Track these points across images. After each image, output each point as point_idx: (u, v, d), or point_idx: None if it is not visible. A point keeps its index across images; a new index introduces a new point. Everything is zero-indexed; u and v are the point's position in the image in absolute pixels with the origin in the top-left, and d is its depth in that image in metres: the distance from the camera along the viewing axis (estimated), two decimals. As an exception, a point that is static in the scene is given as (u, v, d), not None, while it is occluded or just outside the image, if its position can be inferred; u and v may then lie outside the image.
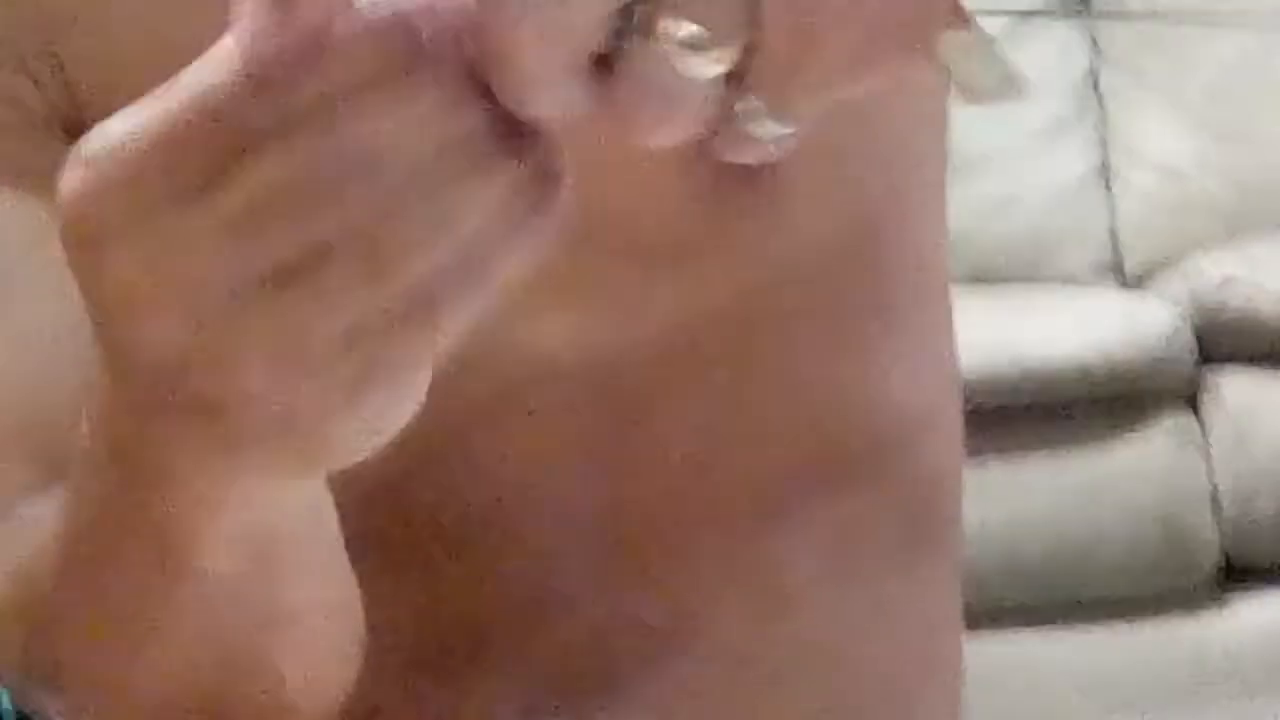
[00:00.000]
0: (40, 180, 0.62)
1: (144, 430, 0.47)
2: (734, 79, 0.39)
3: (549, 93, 0.39)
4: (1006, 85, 0.40)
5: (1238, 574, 2.21)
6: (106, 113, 0.65)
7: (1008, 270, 2.50)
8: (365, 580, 0.67)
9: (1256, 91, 2.62)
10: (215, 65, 0.40)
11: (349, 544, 0.66)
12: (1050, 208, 2.58)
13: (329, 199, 0.40)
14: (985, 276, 2.42)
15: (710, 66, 0.39)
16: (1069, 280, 2.56)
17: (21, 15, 0.72)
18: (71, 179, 0.42)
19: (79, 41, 0.72)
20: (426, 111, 0.40)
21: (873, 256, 0.77)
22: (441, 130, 0.40)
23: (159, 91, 0.41)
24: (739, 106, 0.40)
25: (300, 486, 0.49)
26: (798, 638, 0.77)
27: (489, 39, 0.39)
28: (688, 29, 0.38)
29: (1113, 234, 2.63)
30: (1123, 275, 2.59)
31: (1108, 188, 2.65)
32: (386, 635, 0.74)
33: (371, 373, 0.42)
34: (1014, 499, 2.15)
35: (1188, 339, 2.22)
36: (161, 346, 0.42)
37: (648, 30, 0.39)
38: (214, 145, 0.40)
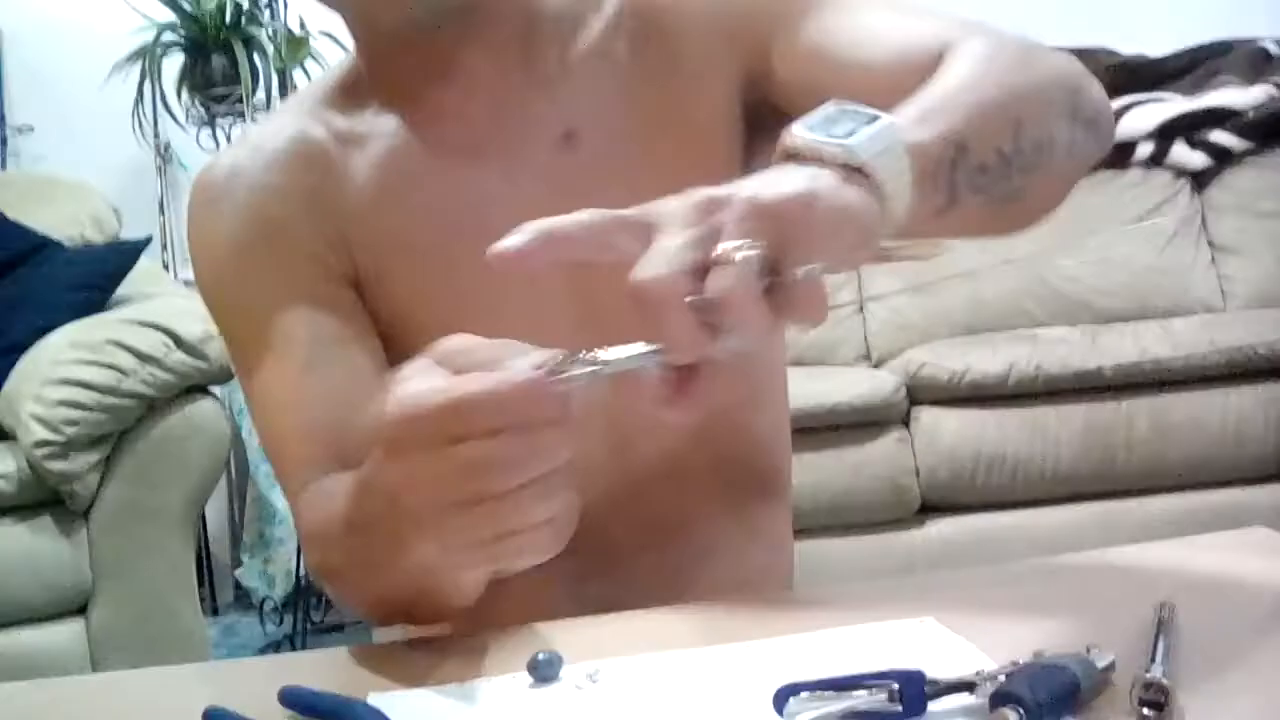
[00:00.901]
0: (334, 307, 1.01)
1: (385, 511, 0.75)
2: None
3: (755, 325, 0.62)
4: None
5: (928, 509, 2.95)
6: (372, 282, 1.03)
7: (811, 358, 3.26)
8: None
9: (937, 272, 3.33)
10: (480, 388, 0.66)
11: None
12: (830, 327, 3.30)
13: (501, 472, 0.67)
14: (801, 361, 3.18)
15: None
16: (843, 363, 3.35)
17: (328, 210, 1.02)
18: (393, 409, 0.68)
19: (357, 234, 1.02)
20: (553, 443, 0.66)
21: (771, 355, 1.13)
22: (553, 456, 0.67)
23: (450, 380, 0.68)
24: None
25: None
26: (715, 544, 1.10)
27: (716, 310, 0.61)
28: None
29: (866, 341, 3.42)
30: (871, 360, 3.38)
31: (863, 316, 3.42)
32: None
33: (496, 558, 0.71)
34: (815, 474, 2.85)
35: (903, 392, 2.95)
36: (406, 512, 0.70)
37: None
38: (462, 427, 0.66)
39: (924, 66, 0.87)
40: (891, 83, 0.85)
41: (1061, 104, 0.88)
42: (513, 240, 0.65)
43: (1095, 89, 0.92)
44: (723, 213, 0.64)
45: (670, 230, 0.64)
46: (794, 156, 0.71)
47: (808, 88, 0.95)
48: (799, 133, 0.71)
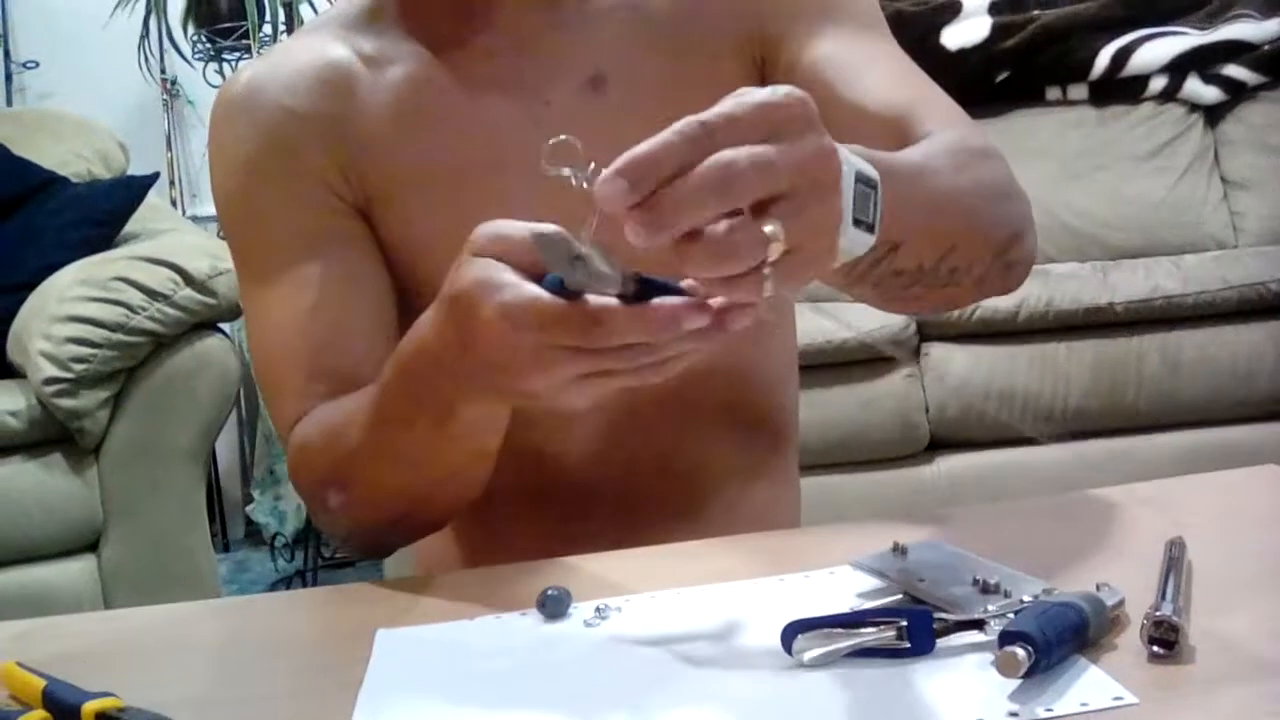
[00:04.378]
0: (341, 237, 1.01)
1: (457, 388, 0.78)
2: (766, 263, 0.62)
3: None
4: None
5: (937, 446, 2.88)
6: (384, 207, 1.02)
7: (822, 295, 2.93)
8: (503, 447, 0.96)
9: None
10: (575, 310, 0.69)
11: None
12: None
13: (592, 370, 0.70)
14: (812, 297, 2.95)
15: (772, 250, 0.62)
16: (853, 301, 2.90)
17: (344, 136, 1.01)
18: (490, 311, 0.71)
19: (373, 159, 1.02)
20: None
21: (783, 303, 1.15)
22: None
23: (554, 301, 0.70)
24: (767, 273, 0.63)
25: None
26: (723, 482, 1.11)
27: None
28: (773, 227, 0.62)
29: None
30: (881, 296, 3.40)
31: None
32: (509, 476, 1.03)
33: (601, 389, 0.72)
34: (827, 409, 2.77)
35: (914, 327, 2.87)
36: (516, 386, 0.73)
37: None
38: (569, 338, 0.69)
39: (909, 139, 0.90)
40: (873, 135, 0.88)
41: (996, 242, 0.89)
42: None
43: (1030, 239, 0.94)
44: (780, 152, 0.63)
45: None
46: None
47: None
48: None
